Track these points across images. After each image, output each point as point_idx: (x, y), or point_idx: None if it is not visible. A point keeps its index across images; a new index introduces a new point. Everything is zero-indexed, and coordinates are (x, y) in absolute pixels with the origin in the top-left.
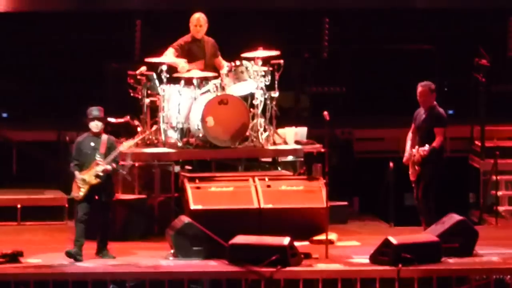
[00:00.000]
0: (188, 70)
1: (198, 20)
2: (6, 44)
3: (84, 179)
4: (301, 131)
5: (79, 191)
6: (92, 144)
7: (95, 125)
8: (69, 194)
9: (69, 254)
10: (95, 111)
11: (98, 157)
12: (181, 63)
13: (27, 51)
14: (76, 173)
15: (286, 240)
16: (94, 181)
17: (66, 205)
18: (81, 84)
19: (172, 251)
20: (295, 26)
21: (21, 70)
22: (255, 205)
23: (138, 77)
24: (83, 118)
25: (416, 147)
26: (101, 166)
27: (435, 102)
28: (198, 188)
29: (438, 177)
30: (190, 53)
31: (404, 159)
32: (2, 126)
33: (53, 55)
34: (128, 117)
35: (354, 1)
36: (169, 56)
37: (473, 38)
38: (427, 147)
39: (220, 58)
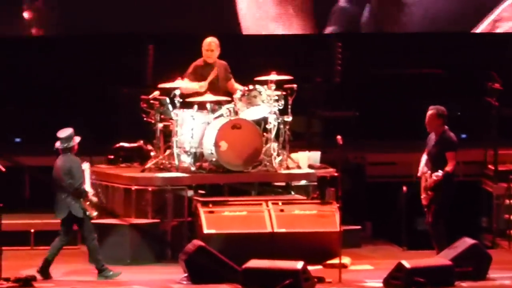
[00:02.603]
0: (208, 87)
1: (210, 44)
2: (19, 70)
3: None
4: (314, 156)
5: (93, 211)
6: None
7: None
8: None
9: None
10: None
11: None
12: (197, 85)
13: (39, 76)
14: (89, 194)
15: (299, 264)
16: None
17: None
18: (93, 109)
19: (185, 275)
20: (307, 50)
21: (33, 95)
22: (268, 229)
23: (151, 101)
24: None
25: (429, 172)
26: (88, 187)
27: (446, 127)
28: (211, 212)
29: (449, 201)
30: (202, 78)
31: (419, 173)
32: (14, 151)
33: (66, 80)
34: (141, 141)
35: (366, 26)
36: (183, 83)
37: (485, 62)
38: (440, 172)
39: (232, 81)
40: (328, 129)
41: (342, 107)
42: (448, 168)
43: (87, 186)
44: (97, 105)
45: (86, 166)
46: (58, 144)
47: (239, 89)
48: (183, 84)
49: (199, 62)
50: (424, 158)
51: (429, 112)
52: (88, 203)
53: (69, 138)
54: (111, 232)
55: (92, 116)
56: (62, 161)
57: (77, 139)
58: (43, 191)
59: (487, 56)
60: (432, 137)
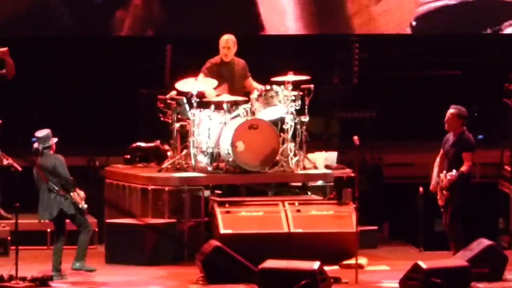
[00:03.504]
0: (218, 95)
1: (227, 42)
2: (37, 71)
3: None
4: (331, 156)
5: (83, 204)
6: None
7: None
8: (100, 218)
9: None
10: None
11: None
12: (208, 90)
13: (57, 77)
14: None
15: (316, 265)
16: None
17: (96, 229)
18: (111, 110)
19: (201, 275)
20: (325, 51)
21: (51, 96)
22: (285, 230)
23: (168, 101)
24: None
25: (444, 172)
26: None
27: (464, 128)
28: (228, 212)
29: (466, 202)
30: (218, 75)
31: (431, 186)
32: (31, 151)
33: (83, 81)
34: (158, 141)
35: (383, 27)
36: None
37: (503, 63)
38: (454, 172)
39: (250, 79)
40: (346, 130)
41: (360, 108)
42: (463, 168)
43: None
44: (114, 105)
45: None
46: (36, 145)
47: (257, 87)
48: (195, 85)
49: (215, 59)
50: (435, 170)
51: (450, 111)
52: (77, 195)
53: (47, 138)
54: (128, 232)
55: (109, 116)
56: (44, 161)
57: (54, 139)
58: None
59: (505, 57)
60: (450, 137)
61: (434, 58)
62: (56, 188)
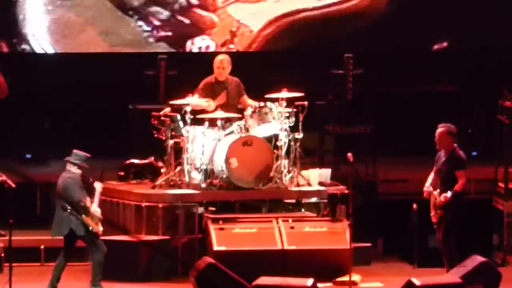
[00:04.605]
0: (218, 105)
1: (221, 62)
2: (30, 86)
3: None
4: (325, 173)
5: (98, 227)
6: None
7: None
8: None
9: None
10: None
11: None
12: (206, 103)
13: (51, 93)
14: (93, 208)
15: (309, 282)
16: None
17: None
18: (105, 126)
19: None
20: (319, 67)
21: (44, 111)
22: (279, 247)
23: (162, 118)
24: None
25: (438, 190)
26: (94, 205)
27: (455, 145)
28: (221, 229)
29: (459, 219)
30: (212, 95)
31: (425, 194)
32: (25, 167)
33: (77, 97)
34: (152, 158)
35: (378, 42)
36: (193, 99)
37: (497, 79)
38: (449, 194)
39: (245, 97)
40: (340, 146)
41: (354, 124)
42: (457, 187)
43: (95, 205)
44: (108, 122)
45: (98, 185)
46: (67, 157)
47: (251, 105)
48: (192, 100)
49: (210, 79)
50: (431, 176)
51: (439, 130)
52: (90, 218)
53: (78, 155)
54: (122, 249)
55: (103, 132)
56: (61, 178)
57: (85, 164)
58: (54, 208)
59: (499, 73)
60: (441, 155)
61: (429, 73)
62: (69, 207)
